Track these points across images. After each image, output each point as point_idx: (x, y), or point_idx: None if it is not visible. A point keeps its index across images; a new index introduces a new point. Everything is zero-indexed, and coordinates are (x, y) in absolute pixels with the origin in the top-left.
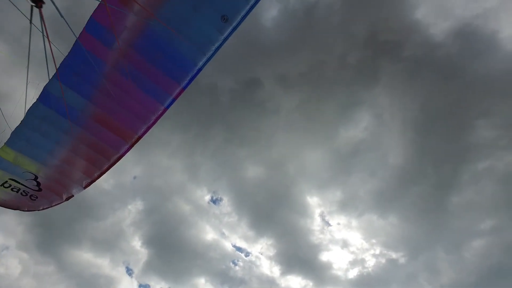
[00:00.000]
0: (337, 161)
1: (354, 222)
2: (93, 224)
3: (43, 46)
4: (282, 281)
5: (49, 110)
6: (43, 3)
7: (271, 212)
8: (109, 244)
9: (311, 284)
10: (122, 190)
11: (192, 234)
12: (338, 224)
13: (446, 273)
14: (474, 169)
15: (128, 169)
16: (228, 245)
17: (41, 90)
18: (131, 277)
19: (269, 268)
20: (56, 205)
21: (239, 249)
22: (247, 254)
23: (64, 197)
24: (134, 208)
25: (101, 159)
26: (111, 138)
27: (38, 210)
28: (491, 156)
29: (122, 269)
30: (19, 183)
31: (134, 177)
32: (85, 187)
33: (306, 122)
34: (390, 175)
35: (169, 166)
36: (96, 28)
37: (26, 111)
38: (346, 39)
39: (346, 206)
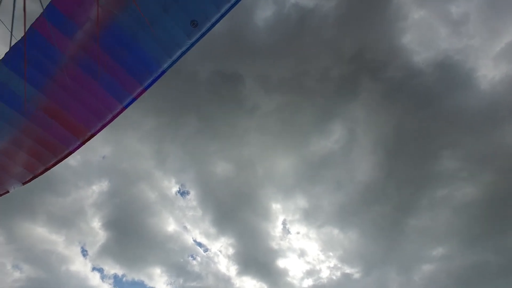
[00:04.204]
0: (306, 170)
1: (313, 233)
2: (52, 199)
3: None
4: (238, 281)
5: None
6: None
7: (235, 212)
8: (67, 221)
9: (265, 287)
10: (88, 168)
11: (154, 223)
12: (298, 233)
13: None
14: (433, 196)
15: (98, 148)
16: (188, 239)
17: None
18: (85, 258)
19: (226, 266)
20: None
21: (199, 244)
22: (206, 250)
23: None
24: (99, 188)
25: (47, 154)
26: (60, 133)
27: None
28: (450, 186)
29: (77, 249)
30: None
31: (103, 157)
32: (24, 183)
33: (281, 127)
34: (354, 191)
35: (139, 150)
36: (55, 14)
37: None
38: (333, 51)
39: (308, 216)
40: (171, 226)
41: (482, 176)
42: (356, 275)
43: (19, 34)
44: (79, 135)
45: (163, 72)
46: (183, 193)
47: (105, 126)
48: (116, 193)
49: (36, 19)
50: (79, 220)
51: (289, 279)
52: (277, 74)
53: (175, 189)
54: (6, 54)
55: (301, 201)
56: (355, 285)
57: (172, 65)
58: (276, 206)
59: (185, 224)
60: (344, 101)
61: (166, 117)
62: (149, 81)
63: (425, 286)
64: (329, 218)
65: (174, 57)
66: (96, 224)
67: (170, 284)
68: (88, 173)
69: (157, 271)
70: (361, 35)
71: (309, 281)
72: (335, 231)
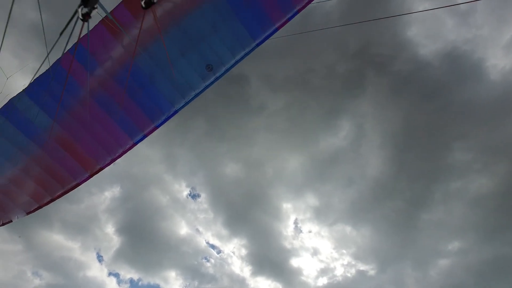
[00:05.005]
0: (315, 168)
1: (325, 231)
2: (66, 206)
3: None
4: (252, 282)
5: (7, 123)
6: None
7: (246, 213)
8: (82, 228)
9: (280, 287)
10: (100, 175)
11: (167, 226)
12: (310, 232)
13: None
14: (446, 189)
15: None
16: (201, 242)
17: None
18: (101, 263)
19: (240, 267)
20: None
21: (212, 246)
22: (219, 252)
23: (0, 221)
24: (111, 194)
25: (55, 185)
26: (70, 164)
27: None
28: (463, 178)
29: (93, 255)
30: None
31: (114, 163)
32: (28, 213)
33: (288, 125)
34: (365, 187)
35: (149, 155)
36: (81, 51)
37: None
38: (338, 47)
39: (319, 214)
40: (183, 229)
41: (496, 167)
42: (371, 272)
43: (44, 67)
44: (87, 168)
45: (176, 112)
46: (194, 196)
47: (114, 161)
48: (128, 198)
49: (63, 55)
50: (93, 226)
51: (303, 278)
52: (282, 72)
53: (186, 192)
54: (30, 84)
55: (312, 200)
56: (370, 282)
57: (184, 106)
58: (287, 206)
59: (197, 226)
60: (351, 97)
61: (173, 121)
62: (161, 120)
63: (442, 281)
64: (340, 215)
65: (188, 98)
66: (110, 229)
67: (186, 287)
68: (100, 179)
69: (172, 274)
70: (365, 29)
71: (324, 280)
72: (348, 228)
